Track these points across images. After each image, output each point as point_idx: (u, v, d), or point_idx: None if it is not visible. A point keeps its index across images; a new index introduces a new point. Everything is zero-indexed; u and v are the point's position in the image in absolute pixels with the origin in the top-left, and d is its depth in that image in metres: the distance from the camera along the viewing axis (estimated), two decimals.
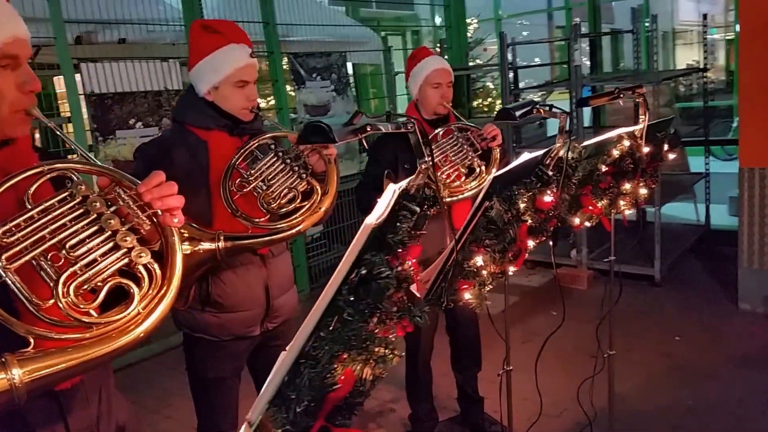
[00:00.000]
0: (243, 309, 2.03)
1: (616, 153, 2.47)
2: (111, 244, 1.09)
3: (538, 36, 13.85)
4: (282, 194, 1.85)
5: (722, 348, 3.91)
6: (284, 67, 5.27)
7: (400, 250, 1.06)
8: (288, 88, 5.47)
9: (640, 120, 2.51)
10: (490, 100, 10.88)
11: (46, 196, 1.04)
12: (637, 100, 2.54)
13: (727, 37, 15.43)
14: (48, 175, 1.06)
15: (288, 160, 1.89)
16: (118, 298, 1.11)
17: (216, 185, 1.88)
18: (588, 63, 7.40)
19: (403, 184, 1.13)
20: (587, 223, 2.42)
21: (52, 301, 0.99)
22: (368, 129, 1.24)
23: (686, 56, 16.63)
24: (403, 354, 2.98)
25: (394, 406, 3.48)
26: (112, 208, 1.11)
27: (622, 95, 2.49)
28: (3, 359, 0.89)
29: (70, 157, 2.06)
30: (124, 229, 1.10)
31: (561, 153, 1.93)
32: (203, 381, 2.08)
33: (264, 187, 1.85)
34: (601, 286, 4.91)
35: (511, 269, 1.87)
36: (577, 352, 3.73)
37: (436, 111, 2.71)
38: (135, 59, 4.05)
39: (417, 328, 3.00)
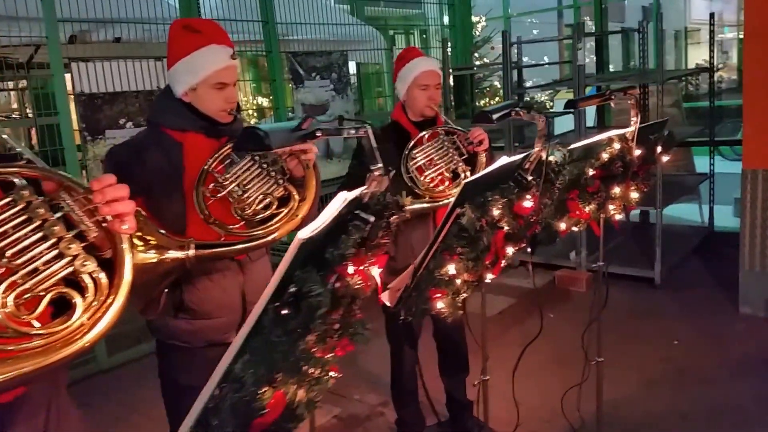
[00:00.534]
0: (218, 315, 1.96)
1: (605, 156, 2.42)
2: (55, 252, 1.07)
3: (549, 34, 13.77)
4: (257, 200, 1.80)
5: (721, 352, 3.84)
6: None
7: (341, 265, 1.01)
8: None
9: (631, 122, 2.46)
10: (497, 99, 10.82)
11: None
12: (629, 101, 2.50)
13: (740, 36, 15.27)
14: None
15: (265, 165, 1.84)
16: (69, 305, 1.09)
17: (191, 189, 1.83)
18: (595, 61, 7.32)
19: (355, 193, 1.09)
20: (575, 228, 2.38)
21: None
22: (318, 135, 1.20)
23: (698, 55, 16.47)
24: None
25: (382, 410, 3.44)
26: (57, 214, 1.08)
27: (613, 96, 2.44)
28: None
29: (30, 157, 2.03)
30: (69, 235, 1.08)
31: (542, 156, 1.89)
32: (176, 388, 2.00)
33: (239, 193, 1.80)
34: (601, 288, 4.84)
35: (489, 276, 1.83)
36: (576, 353, 3.67)
37: (423, 113, 2.66)
38: (129, 58, 4.03)
39: (399, 334, 2.97)
